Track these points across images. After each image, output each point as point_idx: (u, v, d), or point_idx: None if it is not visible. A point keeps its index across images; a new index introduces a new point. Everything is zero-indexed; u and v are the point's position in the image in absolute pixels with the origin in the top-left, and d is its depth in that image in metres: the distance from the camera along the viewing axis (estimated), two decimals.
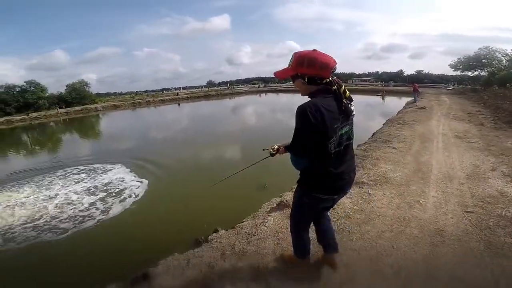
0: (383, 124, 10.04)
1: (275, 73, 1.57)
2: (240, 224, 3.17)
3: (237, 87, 58.14)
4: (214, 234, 3.16)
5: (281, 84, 53.16)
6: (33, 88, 33.97)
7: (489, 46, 27.43)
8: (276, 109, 22.42)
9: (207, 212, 4.58)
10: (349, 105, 1.46)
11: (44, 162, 9.45)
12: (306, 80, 1.43)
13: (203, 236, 3.41)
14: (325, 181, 1.53)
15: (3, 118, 27.95)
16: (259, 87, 56.43)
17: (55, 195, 5.82)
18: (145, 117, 25.45)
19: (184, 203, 5.14)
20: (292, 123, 1.42)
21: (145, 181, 6.27)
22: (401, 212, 2.95)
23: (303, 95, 1.52)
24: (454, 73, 37.06)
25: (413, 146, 5.61)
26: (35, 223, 4.66)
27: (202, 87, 69.84)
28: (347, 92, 1.46)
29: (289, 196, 3.54)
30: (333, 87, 1.42)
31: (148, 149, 10.11)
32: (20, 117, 28.68)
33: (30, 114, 29.63)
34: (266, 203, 3.90)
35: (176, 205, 5.12)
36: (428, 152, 5.12)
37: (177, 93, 44.59)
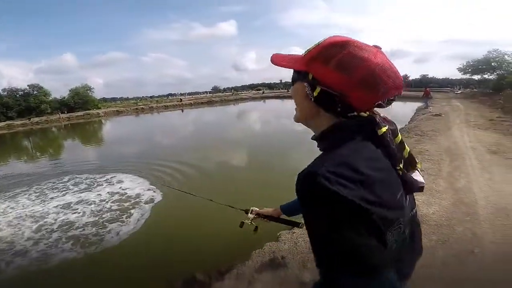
0: None
1: (273, 57, 0.68)
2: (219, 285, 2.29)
3: (241, 93, 57.57)
4: None
5: (286, 91, 52.57)
6: (36, 92, 33.78)
7: (498, 49, 26.71)
8: (279, 116, 21.53)
9: (188, 243, 3.72)
10: (411, 174, 0.65)
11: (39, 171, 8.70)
12: (315, 94, 0.59)
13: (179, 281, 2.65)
14: None
15: (5, 123, 27.70)
16: (263, 92, 55.75)
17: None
18: (144, 124, 24.79)
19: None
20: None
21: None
22: (451, 272, 2.05)
23: (301, 120, 0.68)
24: (459, 77, 36.24)
25: (442, 167, 4.64)
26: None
27: (207, 93, 69.90)
28: (407, 148, 0.66)
29: (287, 244, 2.67)
30: (380, 129, 0.59)
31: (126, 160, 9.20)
32: (22, 121, 28.40)
33: (31, 118, 29.33)
34: (257, 250, 2.91)
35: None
36: (464, 174, 4.17)
37: (181, 99, 44.11)
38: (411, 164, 0.66)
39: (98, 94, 39.99)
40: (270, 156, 8.20)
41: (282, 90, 54.89)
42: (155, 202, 5.08)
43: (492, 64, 27.01)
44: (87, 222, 4.45)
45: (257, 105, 34.26)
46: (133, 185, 6.07)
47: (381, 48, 0.60)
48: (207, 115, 27.17)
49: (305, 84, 0.60)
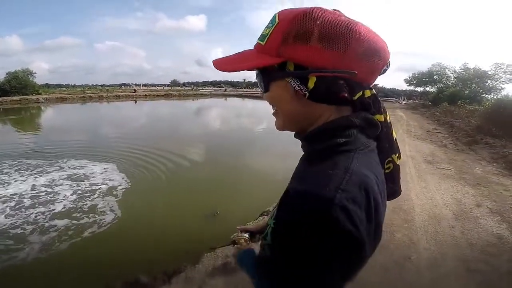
0: None
1: (218, 63, 0.52)
2: None
3: (202, 89, 56.20)
4: None
5: (248, 90, 52.77)
6: None
7: (441, 63, 29.46)
8: (242, 114, 21.41)
9: (137, 241, 3.39)
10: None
11: None
12: (311, 86, 0.44)
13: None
14: None
15: None
16: (225, 90, 55.18)
17: None
18: (90, 113, 22.58)
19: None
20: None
21: None
22: (390, 278, 2.14)
23: (289, 126, 0.53)
24: (404, 88, 39.92)
25: None
26: None
27: (165, 86, 66.88)
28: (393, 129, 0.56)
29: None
30: (378, 118, 0.51)
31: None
32: None
33: None
34: (209, 254, 2.75)
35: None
36: (404, 182, 4.41)
37: (135, 90, 41.34)
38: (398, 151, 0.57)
39: (41, 79, 35.54)
40: (228, 155, 7.98)
41: (245, 89, 55.08)
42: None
43: (435, 77, 29.69)
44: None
45: (217, 102, 33.68)
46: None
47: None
48: (162, 108, 25.80)
49: (288, 79, 0.45)
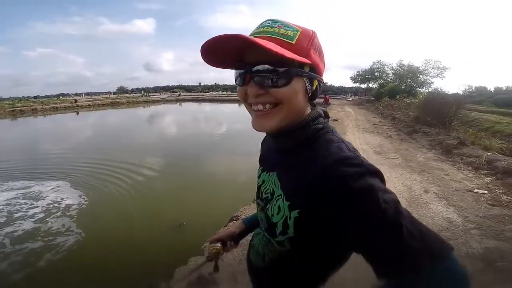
0: None
1: (255, 41, 0.45)
2: None
3: (154, 95, 53.43)
4: None
5: (204, 94, 51.62)
6: None
7: (381, 60, 32.42)
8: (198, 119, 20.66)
9: (101, 262, 2.93)
10: None
11: None
12: (314, 88, 0.57)
13: None
14: None
15: None
16: (179, 95, 53.28)
17: None
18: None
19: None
20: None
21: None
22: (361, 273, 2.03)
23: (282, 123, 0.55)
24: (350, 85, 43.06)
25: None
26: None
27: (111, 93, 62.26)
28: None
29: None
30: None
31: None
32: None
33: None
34: (181, 267, 2.41)
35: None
36: None
37: (75, 100, 37.35)
38: None
39: None
40: (188, 162, 7.47)
41: (200, 93, 53.86)
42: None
43: (376, 74, 32.59)
44: None
45: (171, 108, 32.20)
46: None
47: None
48: (110, 118, 23.66)
49: (305, 78, 0.54)
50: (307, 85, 0.54)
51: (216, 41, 0.48)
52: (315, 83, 0.55)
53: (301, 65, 0.52)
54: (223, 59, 0.54)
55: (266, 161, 0.70)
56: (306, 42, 0.52)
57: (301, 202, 0.50)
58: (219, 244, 0.82)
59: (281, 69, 0.50)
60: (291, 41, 0.51)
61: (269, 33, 0.51)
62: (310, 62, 0.52)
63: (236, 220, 3.20)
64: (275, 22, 0.54)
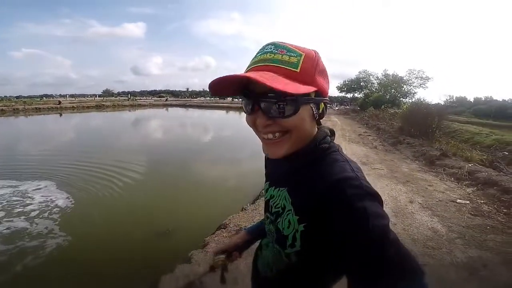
0: None
1: (259, 80, 0.47)
2: None
3: (140, 99, 52.58)
4: None
5: (192, 100, 51.28)
6: None
7: (366, 70, 32.99)
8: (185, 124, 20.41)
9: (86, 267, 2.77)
10: None
11: None
12: (320, 111, 0.60)
13: None
14: None
15: None
16: (166, 100, 52.67)
17: None
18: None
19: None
20: None
21: None
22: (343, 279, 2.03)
23: (292, 149, 0.59)
24: (336, 95, 43.79)
25: None
26: None
27: (96, 96, 60.79)
28: None
29: (202, 267, 2.33)
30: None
31: None
32: None
33: None
34: (168, 275, 2.32)
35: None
36: None
37: (59, 102, 36.17)
38: None
39: None
40: (174, 167, 7.33)
41: (188, 98, 53.48)
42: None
43: (361, 83, 33.08)
44: None
45: (158, 113, 31.67)
46: None
47: None
48: (94, 121, 22.95)
49: (311, 105, 0.56)
50: (314, 110, 0.56)
51: (222, 80, 0.51)
52: (322, 106, 0.58)
53: (308, 92, 0.53)
54: (230, 91, 0.57)
55: (274, 176, 0.71)
56: (310, 66, 0.54)
57: (307, 218, 0.53)
58: (223, 256, 0.83)
59: (288, 98, 0.51)
60: (295, 69, 0.52)
61: (273, 61, 0.52)
62: (316, 89, 0.54)
63: (224, 229, 3.17)
64: (277, 46, 0.54)
